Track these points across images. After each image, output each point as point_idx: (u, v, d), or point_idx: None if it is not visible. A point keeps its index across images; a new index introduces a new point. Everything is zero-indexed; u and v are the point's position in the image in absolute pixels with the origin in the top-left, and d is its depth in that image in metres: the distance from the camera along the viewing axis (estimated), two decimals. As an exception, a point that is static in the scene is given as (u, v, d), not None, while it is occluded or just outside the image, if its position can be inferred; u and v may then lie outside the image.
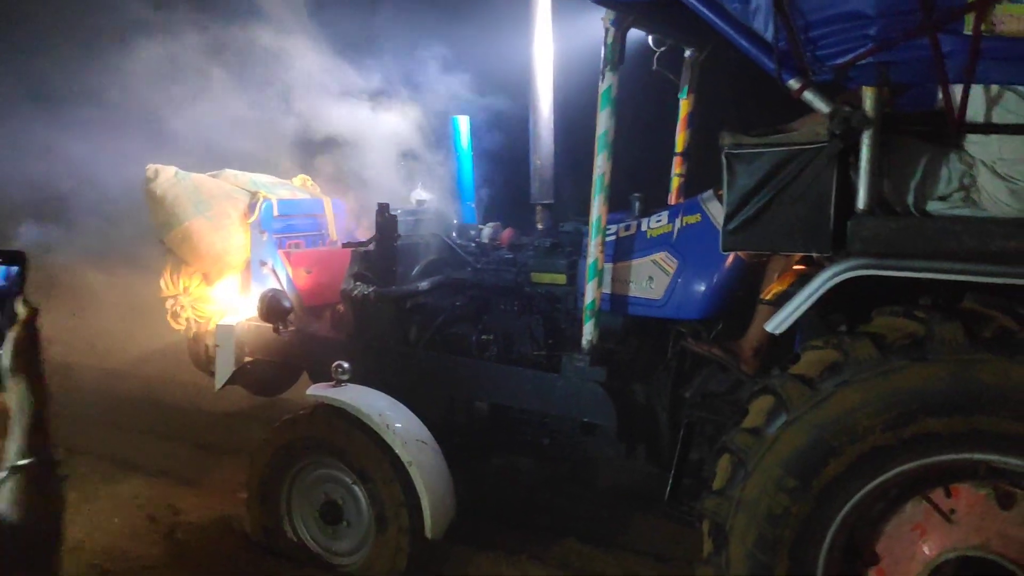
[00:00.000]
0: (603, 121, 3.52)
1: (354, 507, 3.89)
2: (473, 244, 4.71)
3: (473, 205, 5.06)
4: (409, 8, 6.05)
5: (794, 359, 2.67)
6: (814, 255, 2.86)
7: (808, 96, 2.62)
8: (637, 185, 4.24)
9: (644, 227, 3.79)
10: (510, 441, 4.34)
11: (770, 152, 2.70)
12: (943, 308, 2.44)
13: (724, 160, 2.80)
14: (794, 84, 2.63)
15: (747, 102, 3.31)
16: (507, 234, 4.66)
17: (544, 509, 4.32)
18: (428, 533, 3.65)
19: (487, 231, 4.73)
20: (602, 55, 3.48)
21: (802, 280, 2.76)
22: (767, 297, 3.21)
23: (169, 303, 5.20)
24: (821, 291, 2.52)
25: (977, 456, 2.40)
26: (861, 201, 2.56)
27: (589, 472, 4.27)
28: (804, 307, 2.55)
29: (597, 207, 3.60)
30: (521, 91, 4.57)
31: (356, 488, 3.85)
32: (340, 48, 5.53)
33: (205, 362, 5.21)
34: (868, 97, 2.54)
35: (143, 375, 7.54)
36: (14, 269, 1.36)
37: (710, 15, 2.76)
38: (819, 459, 2.53)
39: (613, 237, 3.81)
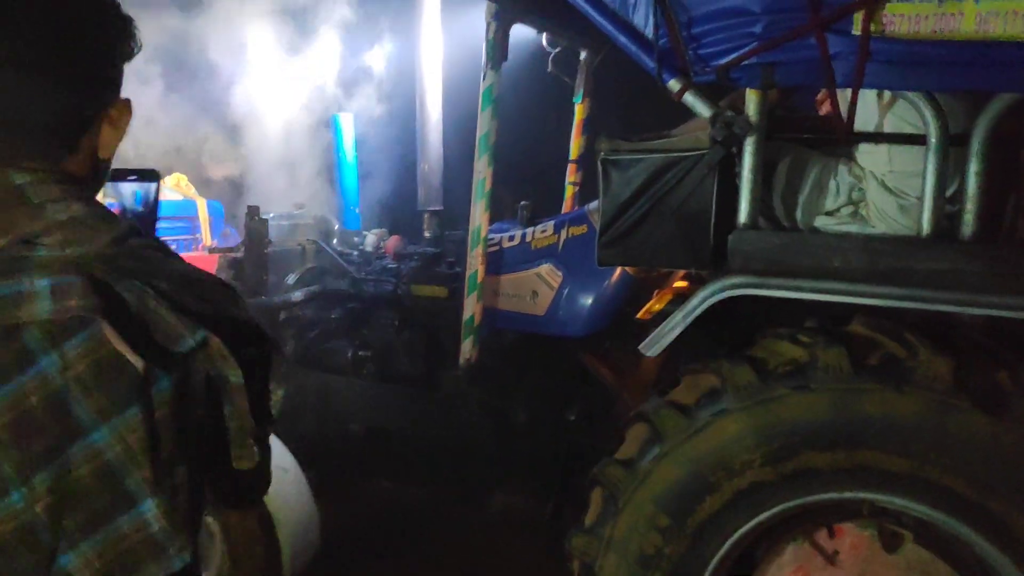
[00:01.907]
0: (484, 122, 3.27)
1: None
2: (355, 252, 4.39)
3: (357, 210, 4.73)
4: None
5: (674, 383, 2.45)
6: (693, 272, 2.65)
7: (689, 99, 2.39)
8: (534, 193, 4.00)
9: (529, 238, 3.55)
10: (391, 465, 4.03)
11: (648, 159, 2.47)
12: (828, 332, 2.25)
13: (600, 167, 2.56)
14: (675, 85, 2.40)
15: (646, 107, 3.11)
16: (392, 242, 4.34)
17: (423, 538, 4.03)
18: (286, 570, 3.32)
19: (371, 238, 4.41)
20: (484, 52, 3.23)
21: (680, 299, 2.54)
22: (643, 316, 2.99)
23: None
24: (697, 311, 2.29)
25: (861, 495, 2.21)
26: (743, 214, 2.34)
27: (474, 498, 4.01)
28: (679, 328, 2.32)
29: (478, 215, 3.34)
30: (410, 91, 4.28)
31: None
32: (221, 45, 5.16)
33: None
34: (752, 101, 2.32)
35: None
36: (152, 188, 1.18)
37: (588, 8, 2.52)
38: (694, 495, 2.30)
39: (496, 248, 3.55)
